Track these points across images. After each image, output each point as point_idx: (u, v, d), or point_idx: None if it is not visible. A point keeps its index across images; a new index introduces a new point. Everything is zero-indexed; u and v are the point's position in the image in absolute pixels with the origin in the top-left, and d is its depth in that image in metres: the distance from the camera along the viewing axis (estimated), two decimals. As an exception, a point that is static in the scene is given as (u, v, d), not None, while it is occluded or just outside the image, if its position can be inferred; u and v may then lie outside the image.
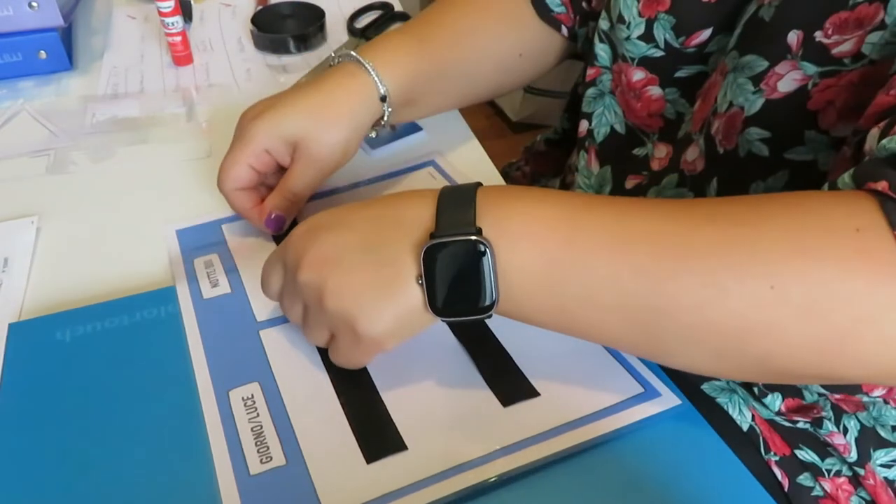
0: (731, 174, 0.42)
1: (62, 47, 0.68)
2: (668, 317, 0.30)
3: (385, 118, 0.50)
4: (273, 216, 0.46)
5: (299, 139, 0.46)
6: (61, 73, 0.69)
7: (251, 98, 0.65)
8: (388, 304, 0.34)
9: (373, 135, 0.50)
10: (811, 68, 0.37)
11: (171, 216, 0.51)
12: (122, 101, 0.65)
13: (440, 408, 0.37)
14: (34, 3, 0.63)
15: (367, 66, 0.48)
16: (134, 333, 0.41)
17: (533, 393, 0.38)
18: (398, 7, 0.81)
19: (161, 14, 0.66)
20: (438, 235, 0.32)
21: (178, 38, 0.69)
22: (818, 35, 0.36)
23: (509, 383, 0.38)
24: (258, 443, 0.35)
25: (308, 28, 0.72)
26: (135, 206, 0.52)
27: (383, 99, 0.48)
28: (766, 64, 0.38)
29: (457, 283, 0.32)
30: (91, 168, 0.57)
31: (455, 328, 0.42)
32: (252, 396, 0.37)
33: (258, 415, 0.36)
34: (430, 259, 0.32)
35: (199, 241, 0.48)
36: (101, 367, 0.39)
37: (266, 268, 0.39)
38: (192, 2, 0.81)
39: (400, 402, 0.37)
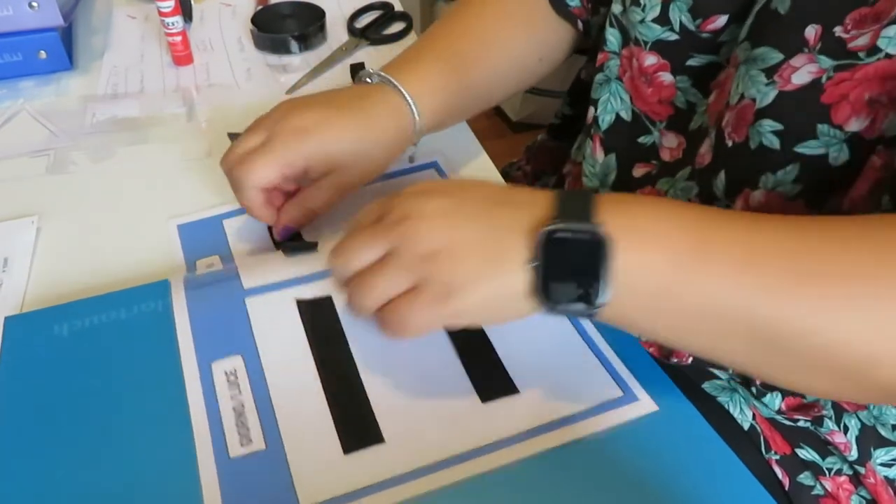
0: (739, 167, 0.42)
1: (62, 47, 0.68)
2: (793, 339, 0.30)
3: (411, 147, 0.50)
4: (285, 227, 0.47)
5: (339, 165, 0.45)
6: (61, 72, 0.69)
7: (251, 98, 0.65)
8: (490, 279, 0.33)
9: None
10: (827, 62, 0.36)
11: (172, 216, 0.51)
12: (122, 100, 0.65)
13: (419, 399, 0.37)
14: (34, 3, 0.63)
15: (410, 103, 0.47)
16: (130, 327, 0.41)
17: (512, 389, 0.37)
18: (398, 7, 0.81)
19: (161, 14, 0.66)
20: (557, 222, 0.31)
21: (178, 38, 0.69)
22: (838, 30, 0.36)
23: (489, 378, 0.38)
24: (239, 423, 0.35)
25: (308, 28, 0.72)
26: (135, 206, 0.52)
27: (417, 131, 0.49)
28: (780, 56, 0.38)
29: (569, 273, 0.31)
30: (91, 168, 0.57)
31: None
32: (234, 371, 0.37)
33: (240, 391, 0.37)
34: (544, 244, 0.31)
35: (200, 238, 0.48)
36: (97, 361, 0.39)
37: (365, 210, 0.38)
38: (192, 1, 0.81)
39: (380, 389, 0.37)
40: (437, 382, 0.38)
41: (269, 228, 0.48)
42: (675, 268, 0.31)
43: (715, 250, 0.31)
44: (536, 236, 0.31)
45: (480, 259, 0.33)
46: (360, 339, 0.40)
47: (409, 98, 0.48)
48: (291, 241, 0.47)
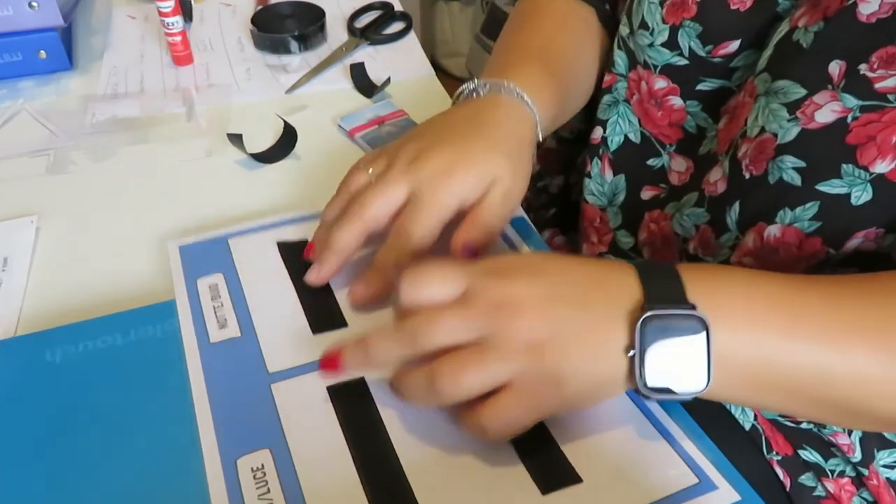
0: (756, 200, 0.41)
1: (62, 47, 0.68)
2: (871, 408, 0.32)
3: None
4: (469, 247, 0.40)
5: (494, 185, 0.41)
6: (61, 72, 0.69)
7: (251, 98, 0.65)
8: (593, 369, 0.32)
9: None
10: (852, 101, 0.36)
11: (171, 217, 0.51)
12: (122, 100, 0.65)
13: (471, 491, 0.33)
14: (34, 3, 0.63)
15: (532, 108, 0.45)
16: (129, 354, 0.38)
17: (575, 479, 0.33)
18: (398, 7, 0.81)
19: (161, 14, 0.66)
20: (655, 307, 0.31)
21: (178, 38, 0.69)
22: (863, 68, 0.35)
23: (549, 466, 0.34)
24: None
25: (308, 28, 0.72)
26: (135, 206, 0.52)
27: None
28: (803, 92, 0.37)
29: (668, 359, 0.31)
30: (91, 168, 0.56)
31: None
32: (262, 466, 0.34)
33: (269, 490, 0.33)
34: (641, 333, 0.31)
35: (203, 260, 0.45)
36: (94, 392, 0.37)
37: (430, 277, 0.34)
38: (192, 2, 0.81)
39: (426, 482, 0.33)
40: (490, 472, 0.34)
41: (308, 309, 0.42)
42: (768, 350, 0.31)
43: (804, 329, 0.31)
44: (634, 324, 0.31)
45: (584, 350, 0.32)
46: (400, 426, 0.36)
47: (529, 103, 0.44)
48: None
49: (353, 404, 0.37)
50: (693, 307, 0.31)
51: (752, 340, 0.31)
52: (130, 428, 0.35)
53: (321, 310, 0.42)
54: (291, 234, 0.47)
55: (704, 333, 0.30)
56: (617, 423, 0.36)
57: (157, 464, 0.34)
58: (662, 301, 0.31)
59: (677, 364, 0.31)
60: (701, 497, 0.33)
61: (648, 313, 0.31)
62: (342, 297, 0.43)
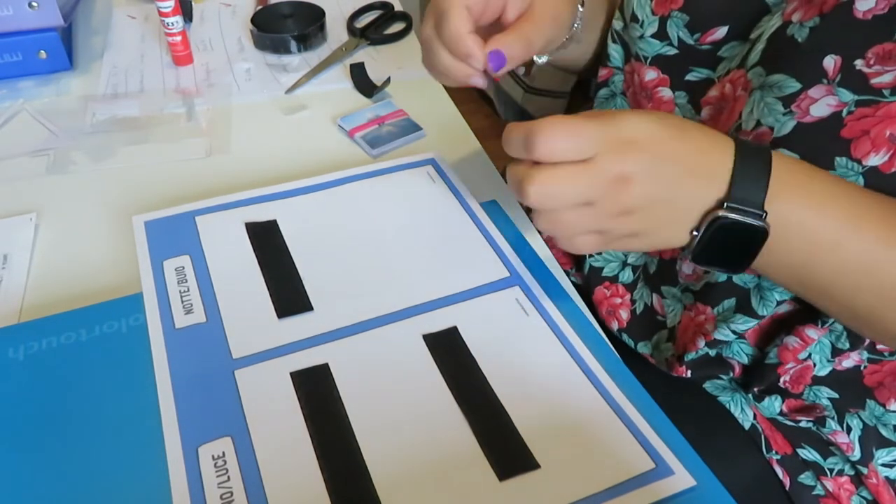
0: None
1: (62, 47, 0.68)
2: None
3: (574, 26, 0.49)
4: (499, 53, 0.42)
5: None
6: (61, 72, 0.69)
7: (251, 98, 0.66)
8: (661, 236, 0.37)
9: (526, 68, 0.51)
10: (847, 95, 0.36)
11: (140, 212, 0.50)
12: (122, 100, 0.65)
13: (429, 478, 0.33)
14: (34, 3, 0.63)
15: None
16: (93, 350, 0.38)
17: (532, 465, 0.34)
18: (398, 7, 0.81)
19: (161, 14, 0.66)
20: (729, 209, 0.35)
21: (178, 38, 0.69)
22: (859, 63, 0.35)
23: (507, 452, 0.34)
24: None
25: (308, 28, 0.72)
26: (134, 206, 0.52)
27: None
28: (798, 86, 0.38)
29: (723, 248, 0.36)
30: (91, 167, 0.57)
31: (451, 380, 0.38)
32: (223, 454, 0.34)
33: (229, 479, 0.33)
34: (709, 227, 0.36)
35: (169, 237, 0.44)
36: (58, 388, 0.36)
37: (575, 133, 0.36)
38: (192, 1, 0.81)
39: (385, 468, 0.34)
40: (449, 458, 0.34)
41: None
42: (804, 262, 0.36)
43: (846, 252, 0.36)
44: (706, 217, 0.36)
45: (662, 222, 0.37)
46: (361, 412, 0.36)
47: None
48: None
49: (315, 391, 0.37)
50: (762, 215, 0.35)
51: (798, 254, 0.36)
52: (94, 421, 0.35)
53: (287, 294, 0.42)
54: (258, 213, 0.47)
55: (765, 239, 0.35)
56: (577, 408, 0.36)
57: (119, 455, 0.34)
58: (742, 201, 0.35)
59: (728, 253, 0.37)
60: (657, 482, 0.33)
61: (717, 214, 0.35)
62: (308, 280, 0.43)
